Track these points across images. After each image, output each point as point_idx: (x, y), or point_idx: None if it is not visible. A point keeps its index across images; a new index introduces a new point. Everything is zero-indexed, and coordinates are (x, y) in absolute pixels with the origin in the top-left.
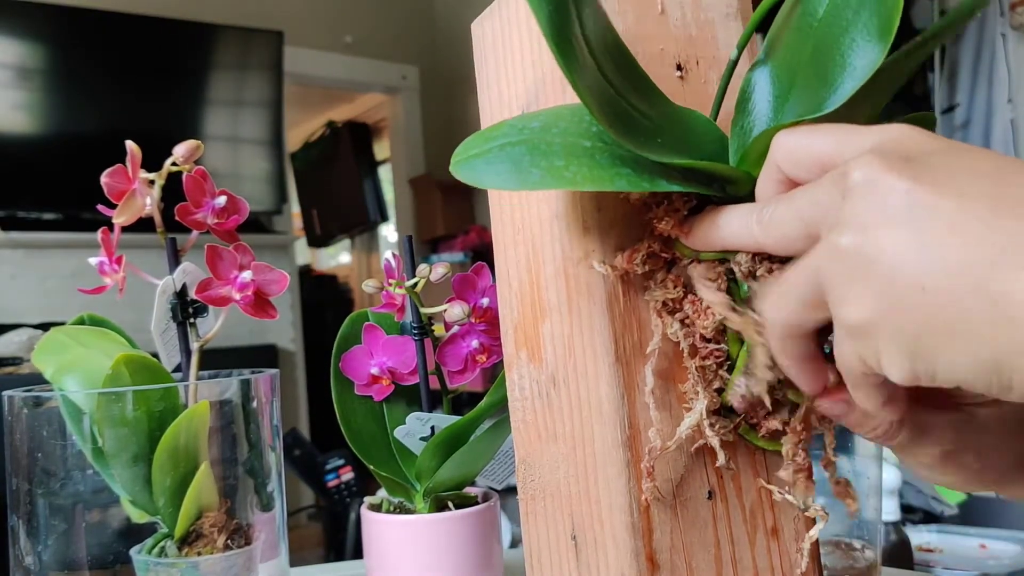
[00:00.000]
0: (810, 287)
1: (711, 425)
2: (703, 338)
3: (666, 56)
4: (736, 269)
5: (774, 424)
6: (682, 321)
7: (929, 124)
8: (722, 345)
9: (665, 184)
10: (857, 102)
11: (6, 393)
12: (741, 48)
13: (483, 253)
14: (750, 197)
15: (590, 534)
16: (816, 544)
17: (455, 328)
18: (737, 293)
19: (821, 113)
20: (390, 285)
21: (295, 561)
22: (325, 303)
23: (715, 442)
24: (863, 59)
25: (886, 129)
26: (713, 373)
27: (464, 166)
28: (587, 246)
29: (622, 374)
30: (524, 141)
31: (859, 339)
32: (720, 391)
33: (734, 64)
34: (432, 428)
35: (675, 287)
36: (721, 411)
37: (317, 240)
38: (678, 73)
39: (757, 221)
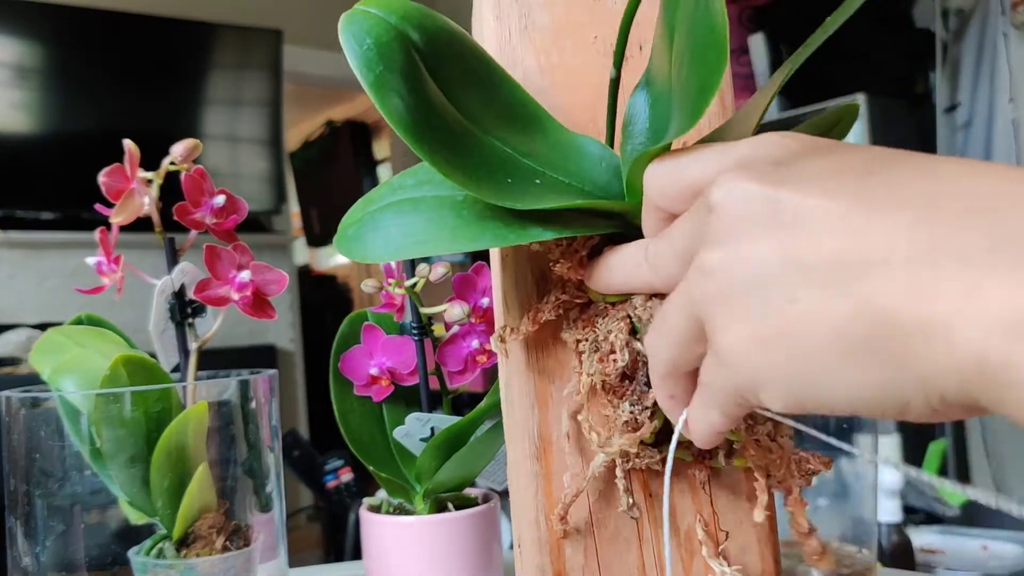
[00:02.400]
0: (686, 318)
1: (625, 461)
2: (617, 377)
3: (600, 44)
4: (632, 314)
5: (700, 474)
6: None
7: (851, 114)
8: (635, 384)
9: (539, 232)
10: (743, 113)
11: (4, 393)
12: (618, 65)
13: (483, 253)
14: None
15: (517, 544)
16: None
17: (455, 328)
18: (642, 333)
19: (688, 129)
20: (389, 285)
21: (294, 562)
22: (324, 303)
23: (621, 485)
24: (712, 76)
25: (755, 141)
26: (628, 412)
27: (341, 240)
28: (505, 310)
29: (534, 383)
30: (392, 204)
31: (734, 369)
32: (639, 424)
33: (615, 82)
34: (432, 429)
35: (585, 328)
36: (650, 440)
37: (316, 240)
38: None
39: (645, 259)
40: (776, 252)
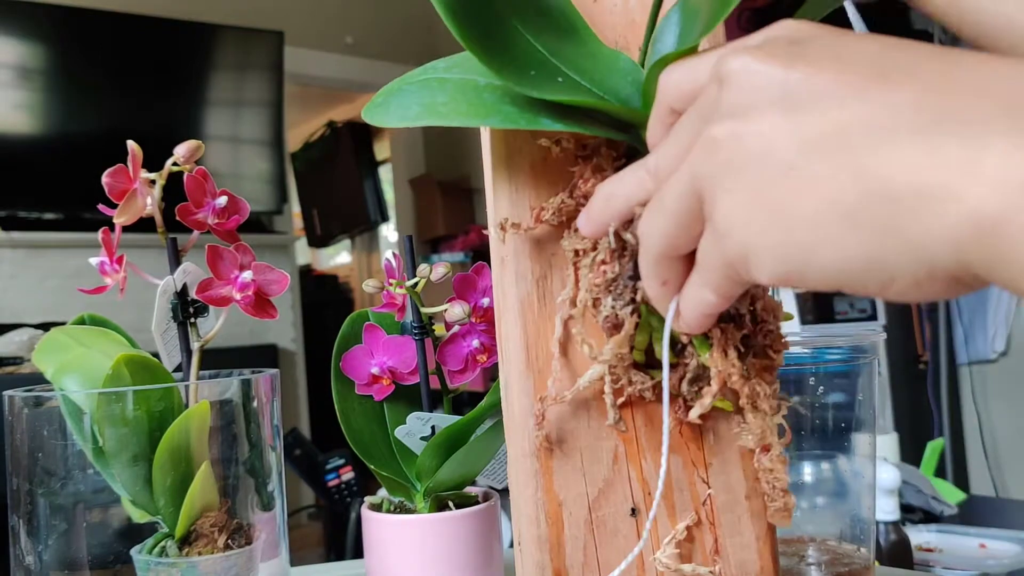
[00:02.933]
0: (687, 194)
1: (614, 381)
2: (606, 291)
3: None
4: (631, 237)
5: (680, 412)
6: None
7: None
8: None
9: (550, 123)
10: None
11: (7, 393)
12: None
13: (483, 253)
14: None
15: (517, 542)
16: None
17: (455, 328)
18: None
19: (709, 32)
20: (390, 285)
21: (295, 561)
22: (326, 303)
23: (609, 400)
24: None
25: (771, 27)
26: (610, 307)
27: (368, 107)
28: (500, 214)
29: (533, 383)
30: (421, 81)
31: (727, 238)
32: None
33: (658, 2)
34: (432, 428)
35: (585, 238)
36: (642, 367)
37: (318, 240)
38: None
39: (647, 170)
40: (782, 125)
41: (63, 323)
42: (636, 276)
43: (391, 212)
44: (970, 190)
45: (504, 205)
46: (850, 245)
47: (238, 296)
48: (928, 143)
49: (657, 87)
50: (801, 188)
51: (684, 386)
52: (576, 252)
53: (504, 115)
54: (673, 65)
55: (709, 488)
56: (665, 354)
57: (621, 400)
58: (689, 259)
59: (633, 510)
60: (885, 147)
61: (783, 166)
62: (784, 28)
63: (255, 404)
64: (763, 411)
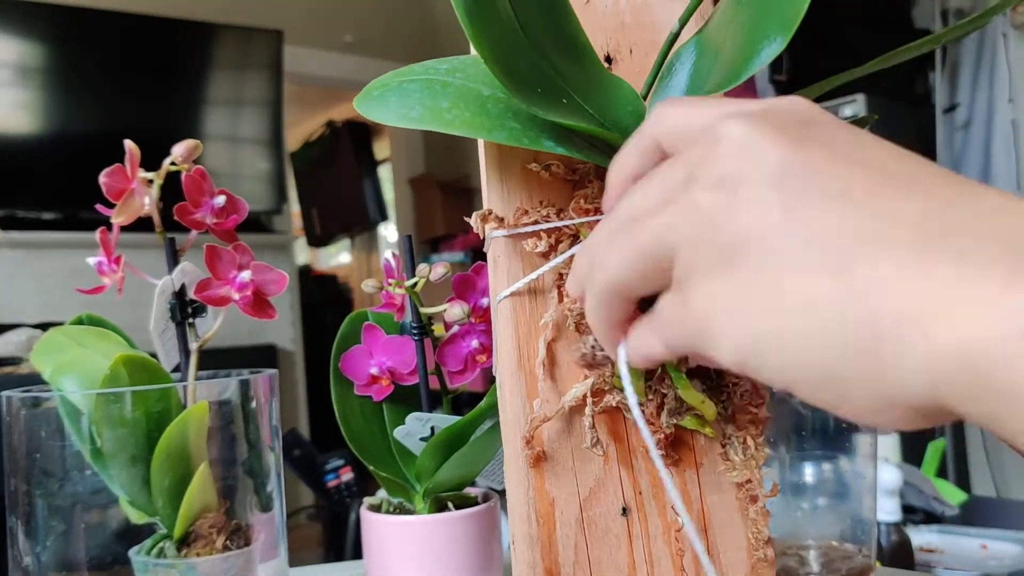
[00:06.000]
0: (658, 245)
1: (595, 403)
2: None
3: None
4: None
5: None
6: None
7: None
8: None
9: (552, 145)
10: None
11: (4, 393)
12: (684, 22)
13: (483, 253)
14: None
15: (512, 542)
16: None
17: (455, 328)
18: None
19: (726, 89)
20: (389, 285)
21: (295, 562)
22: (325, 303)
23: (588, 422)
24: (769, 48)
25: (772, 101)
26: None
27: (362, 99)
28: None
29: (524, 383)
30: (422, 80)
31: (694, 314)
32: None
33: (674, 37)
34: (432, 428)
35: (569, 262)
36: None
37: (317, 240)
38: (606, 65)
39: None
40: (775, 212)
41: (61, 323)
42: None
43: (391, 212)
44: (961, 318)
45: (496, 206)
46: (816, 355)
47: (236, 296)
48: (924, 263)
49: (650, 115)
50: (781, 284)
51: (663, 417)
52: (560, 275)
53: (509, 131)
54: (675, 100)
55: (700, 487)
56: (631, 398)
57: (600, 408)
58: (635, 301)
59: (624, 509)
60: (878, 260)
61: (767, 257)
62: (792, 104)
63: (254, 405)
64: (752, 460)
